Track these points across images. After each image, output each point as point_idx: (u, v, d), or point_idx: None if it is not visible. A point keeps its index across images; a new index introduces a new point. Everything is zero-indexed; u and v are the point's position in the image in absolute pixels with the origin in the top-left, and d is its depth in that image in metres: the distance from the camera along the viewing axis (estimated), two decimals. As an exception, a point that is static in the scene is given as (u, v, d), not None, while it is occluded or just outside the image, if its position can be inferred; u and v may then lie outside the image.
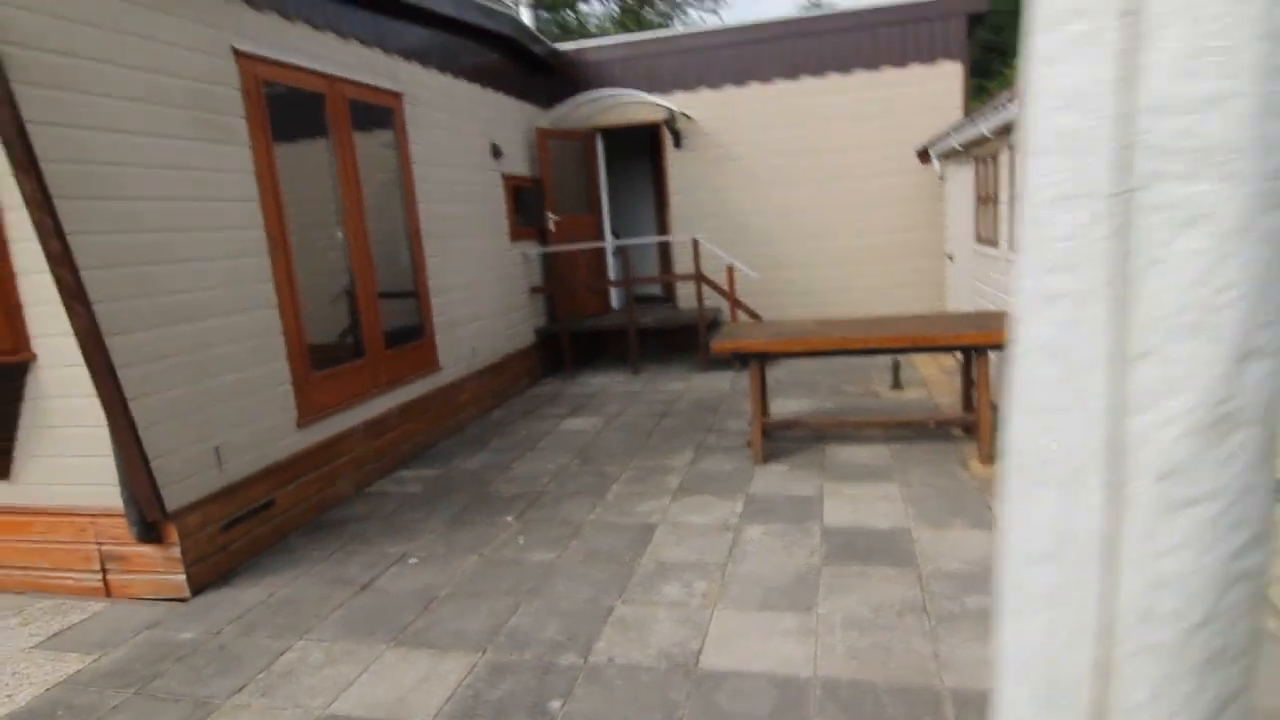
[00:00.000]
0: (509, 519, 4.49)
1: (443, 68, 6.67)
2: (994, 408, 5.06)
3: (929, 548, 3.69)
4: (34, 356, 3.74)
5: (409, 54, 6.16)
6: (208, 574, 3.95)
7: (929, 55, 7.76)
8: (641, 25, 19.13)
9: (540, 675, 2.91)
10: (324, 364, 5.01)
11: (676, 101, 8.66)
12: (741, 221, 8.67)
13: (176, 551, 3.81)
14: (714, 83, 8.54)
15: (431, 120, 6.43)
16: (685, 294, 9.07)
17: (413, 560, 4.04)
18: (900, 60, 7.89)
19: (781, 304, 8.69)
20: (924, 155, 7.69)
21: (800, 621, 3.13)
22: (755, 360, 4.95)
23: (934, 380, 6.87)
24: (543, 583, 3.66)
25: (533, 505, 4.67)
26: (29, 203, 3.26)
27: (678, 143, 8.70)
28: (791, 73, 8.26)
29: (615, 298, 9.64)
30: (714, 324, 8.20)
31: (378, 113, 5.80)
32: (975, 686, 2.63)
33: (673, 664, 2.91)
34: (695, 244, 7.90)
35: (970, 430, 4.99)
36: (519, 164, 8.22)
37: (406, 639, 3.26)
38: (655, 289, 10.36)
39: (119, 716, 2.86)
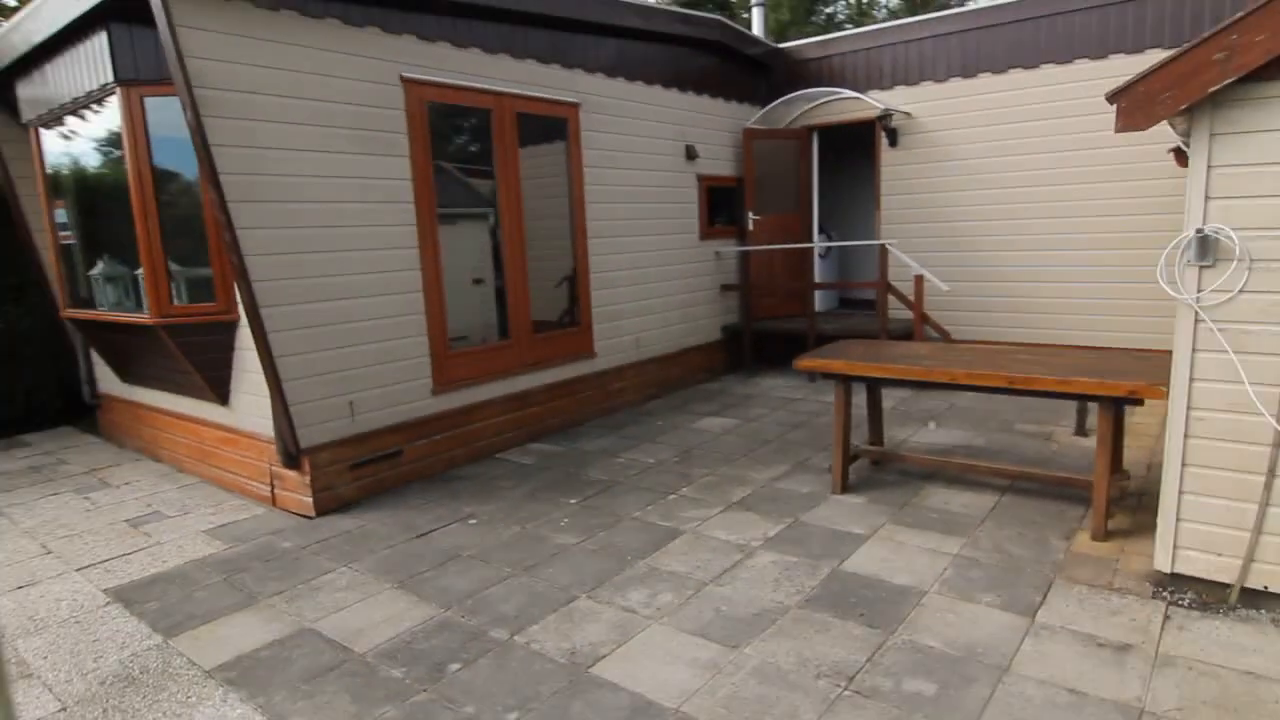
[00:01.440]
0: (572, 501, 4.86)
1: (630, 77, 7.10)
2: (1122, 474, 4.15)
3: (924, 617, 3.26)
4: (238, 317, 5.01)
5: (592, 66, 6.69)
6: (331, 501, 4.95)
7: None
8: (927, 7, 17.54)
9: (466, 640, 3.26)
10: (466, 343, 5.81)
11: (897, 96, 8.05)
12: (955, 227, 7.82)
13: (308, 480, 4.86)
14: (938, 76, 7.77)
15: (611, 126, 6.91)
16: (896, 302, 8.45)
17: (472, 521, 4.62)
18: (1171, 42, 6.43)
19: (992, 322, 7.70)
20: (1180, 155, 6.20)
21: (717, 656, 3.05)
22: (840, 381, 4.63)
23: (1144, 431, 5.65)
24: (544, 563, 3.97)
25: (602, 493, 4.97)
26: (213, 206, 4.41)
27: (893, 141, 8.10)
28: (1031, 61, 7.19)
29: (819, 300, 9.33)
30: (901, 337, 7.56)
31: (551, 122, 6.44)
32: (813, 767, 2.40)
33: (571, 663, 3.06)
34: (883, 251, 7.36)
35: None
36: (721, 164, 8.37)
37: (406, 584, 3.82)
38: (871, 294, 9.76)
39: (198, 592, 3.85)
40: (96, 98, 5.07)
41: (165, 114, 4.75)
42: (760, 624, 3.27)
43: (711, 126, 8.21)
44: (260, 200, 4.54)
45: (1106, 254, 7.03)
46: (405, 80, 5.25)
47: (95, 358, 6.97)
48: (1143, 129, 3.06)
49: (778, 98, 8.65)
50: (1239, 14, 2.82)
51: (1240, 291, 3.03)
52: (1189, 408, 3.20)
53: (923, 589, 3.49)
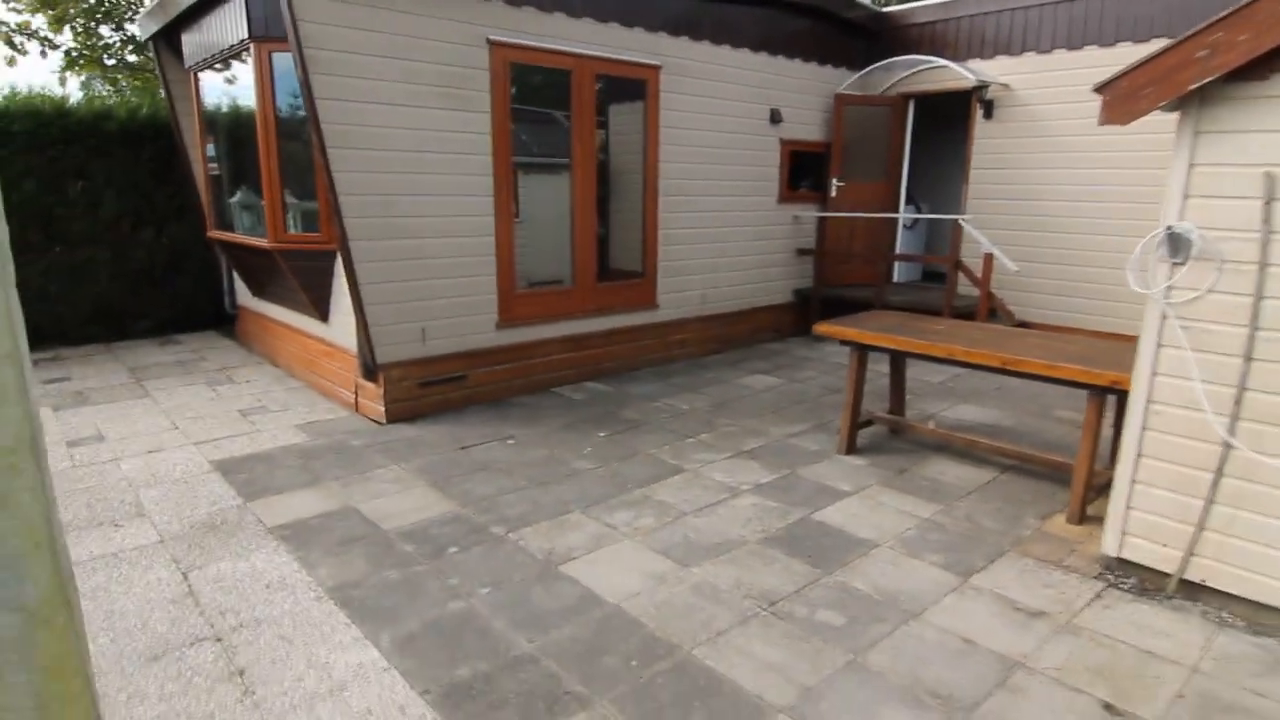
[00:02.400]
0: (601, 434, 5.40)
1: (716, 40, 7.32)
2: (1105, 467, 4.20)
3: (866, 565, 3.57)
4: (336, 247, 5.81)
5: (676, 29, 6.97)
6: (401, 412, 5.73)
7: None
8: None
9: (469, 532, 3.90)
10: (532, 284, 6.41)
11: (998, 66, 7.80)
12: (1041, 206, 7.57)
13: (382, 392, 5.65)
14: (1042, 47, 7.46)
15: (691, 89, 7.19)
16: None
17: (510, 442, 5.26)
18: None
19: (1071, 308, 7.48)
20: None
21: (667, 571, 3.51)
22: (855, 349, 4.86)
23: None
24: (557, 482, 4.55)
25: (630, 430, 5.48)
26: (316, 149, 5.16)
27: (988, 113, 7.87)
28: (1142, 35, 6.78)
29: (902, 271, 9.28)
30: (966, 316, 7.49)
31: (631, 84, 6.82)
32: (714, 667, 2.85)
33: (546, 560, 3.62)
34: (957, 226, 7.29)
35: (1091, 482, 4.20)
36: (809, 128, 8.44)
37: (438, 483, 4.51)
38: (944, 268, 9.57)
39: (278, 471, 4.71)
40: (237, 50, 5.94)
41: (289, 68, 5.55)
42: (717, 552, 3.70)
43: (802, 90, 8.28)
44: (354, 147, 5.24)
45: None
46: (491, 42, 5.78)
47: (235, 275, 8.14)
48: (1123, 124, 3.12)
49: (877, 63, 8.56)
50: (1224, 12, 2.83)
51: (1209, 291, 3.07)
52: (1148, 400, 3.29)
53: (877, 543, 3.79)
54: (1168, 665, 2.87)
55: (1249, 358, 2.99)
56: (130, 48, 10.18)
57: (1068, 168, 7.38)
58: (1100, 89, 3.17)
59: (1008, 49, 7.74)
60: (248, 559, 3.63)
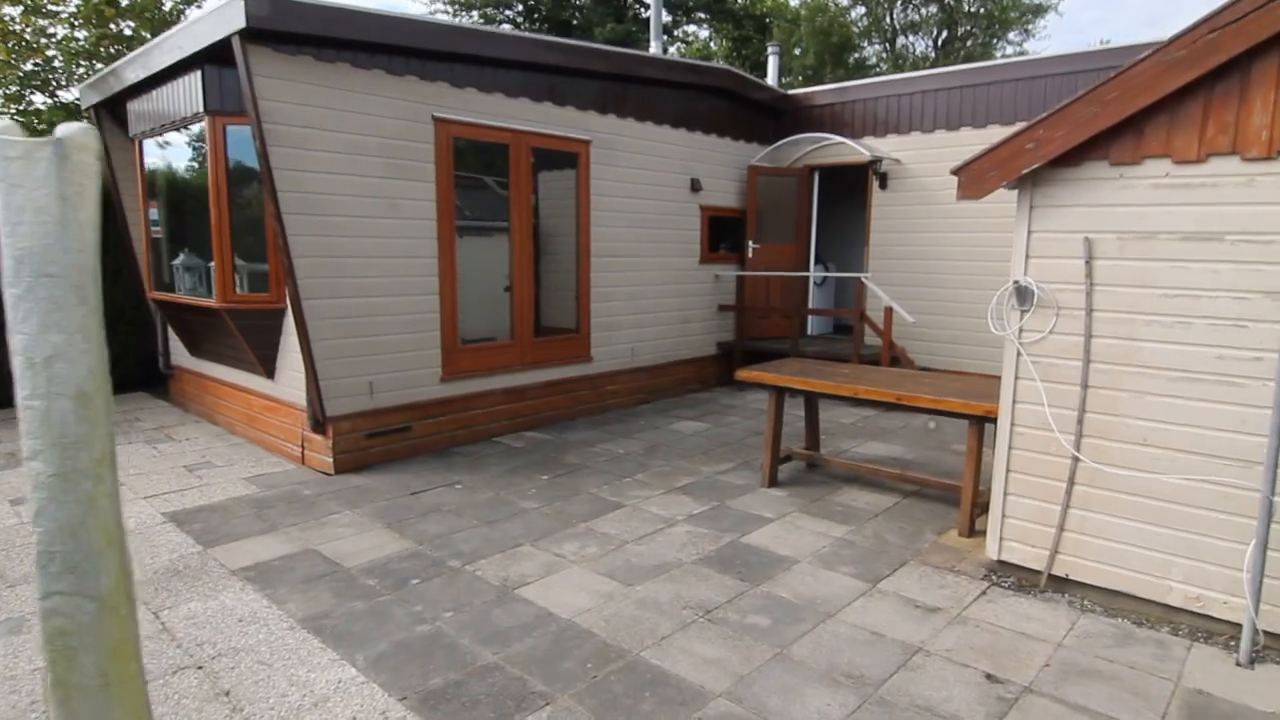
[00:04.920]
0: (544, 477, 5.77)
1: (641, 117, 8.05)
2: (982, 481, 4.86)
3: (788, 577, 4.05)
4: (285, 306, 6.09)
5: (604, 107, 7.67)
6: (349, 462, 5.96)
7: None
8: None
9: (427, 565, 4.19)
10: (472, 339, 6.81)
11: (889, 144, 8.81)
12: (932, 265, 8.50)
13: (330, 444, 5.88)
14: (926, 127, 8.51)
15: (619, 160, 7.86)
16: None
17: (457, 486, 5.57)
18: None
19: (961, 354, 8.36)
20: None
21: (614, 590, 3.91)
22: (773, 392, 5.44)
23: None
24: (505, 520, 4.89)
25: (571, 473, 5.87)
26: (271, 215, 5.50)
27: (883, 184, 8.85)
28: (1008, 118, 7.87)
29: (815, 324, 10.08)
30: (872, 362, 8.27)
31: (563, 155, 7.43)
32: (660, 665, 3.24)
33: (502, 586, 3.96)
34: (860, 284, 8.11)
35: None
36: (726, 196, 9.24)
37: (393, 525, 4.78)
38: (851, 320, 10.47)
39: (233, 520, 4.88)
40: (189, 121, 6.25)
41: (241, 139, 5.89)
42: (657, 572, 4.12)
43: (718, 162, 9.10)
44: (308, 213, 5.60)
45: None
46: (436, 119, 6.29)
47: (171, 335, 8.21)
48: (976, 199, 3.84)
49: (784, 138, 9.49)
50: (1045, 113, 3.60)
51: (1050, 332, 3.77)
52: (1012, 425, 3.94)
53: (797, 559, 4.29)
54: (1038, 643, 3.43)
55: (1085, 385, 3.68)
56: (63, 115, 10.25)
57: (951, 231, 8.35)
58: (957, 171, 3.90)
59: (897, 128, 8.76)
60: (216, 598, 3.83)
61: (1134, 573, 3.64)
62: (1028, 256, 3.82)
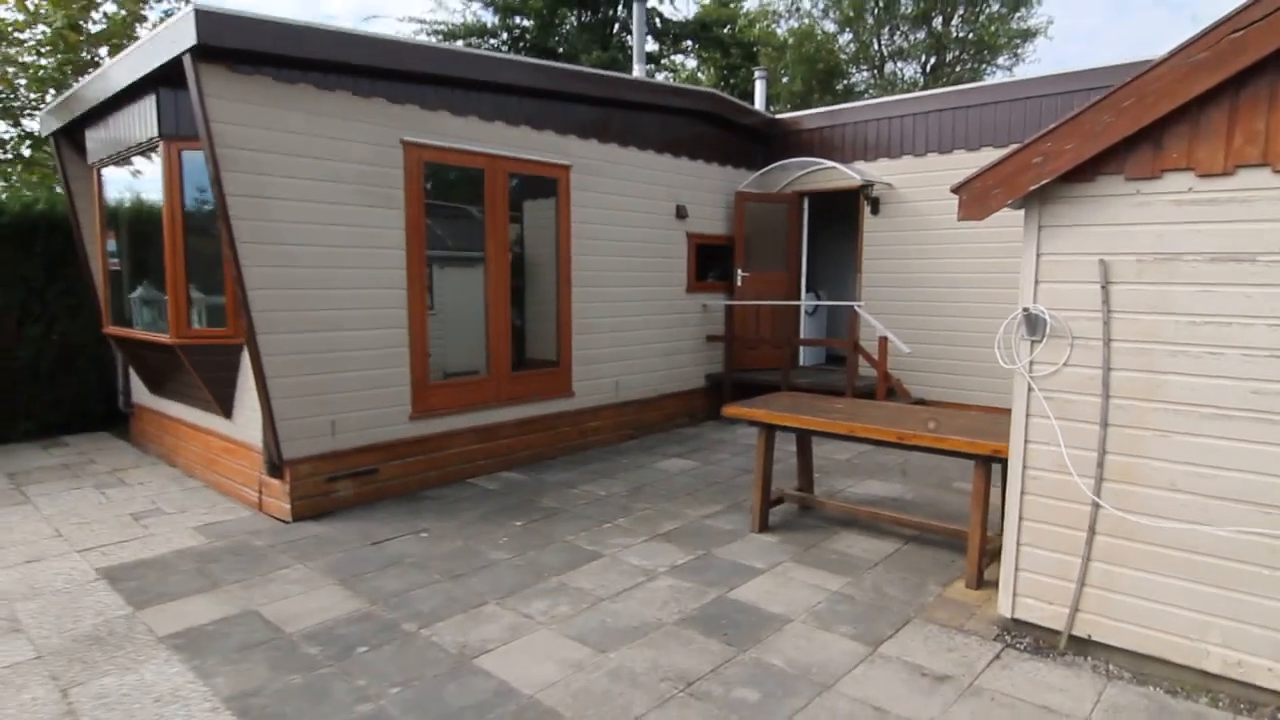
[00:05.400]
0: (517, 524, 5.35)
1: (623, 142, 7.77)
2: (997, 533, 4.48)
3: (780, 640, 3.64)
4: (243, 341, 5.71)
5: (584, 131, 7.38)
6: (308, 509, 5.54)
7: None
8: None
9: (379, 630, 3.77)
10: (445, 375, 6.43)
11: (880, 168, 8.55)
12: (927, 293, 8.19)
13: (288, 489, 5.47)
14: (918, 150, 8.25)
15: (601, 186, 7.56)
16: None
17: (423, 535, 5.15)
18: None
19: (959, 385, 8.01)
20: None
21: (585, 658, 3.48)
22: (763, 429, 5.07)
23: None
24: (471, 574, 4.47)
25: (547, 518, 5.46)
26: (225, 244, 5.14)
27: (874, 210, 8.57)
28: (1001, 140, 7.61)
29: (807, 355, 9.74)
30: (867, 396, 7.91)
31: (542, 181, 7.12)
32: (622, 746, 2.82)
33: (460, 654, 3.53)
34: (852, 313, 7.78)
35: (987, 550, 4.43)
36: (713, 223, 8.94)
37: (347, 581, 4.36)
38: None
39: (172, 576, 4.45)
40: (146, 148, 5.92)
41: (198, 165, 5.56)
42: (634, 635, 3.70)
43: (705, 189, 8.82)
44: (266, 242, 5.25)
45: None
46: (405, 143, 5.98)
47: (132, 372, 7.80)
48: (979, 219, 3.51)
49: (773, 164, 9.23)
50: (1053, 124, 3.28)
51: (1064, 365, 3.41)
52: (1024, 467, 3.56)
53: (790, 617, 3.87)
54: None
55: (1105, 423, 3.31)
56: (28, 142, 9.97)
57: (948, 257, 8.05)
58: (957, 189, 3.57)
59: (888, 152, 8.51)
60: (136, 671, 3.39)
61: (1166, 634, 3.25)
62: (1037, 282, 3.48)
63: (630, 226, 7.95)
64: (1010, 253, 7.59)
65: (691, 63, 20.72)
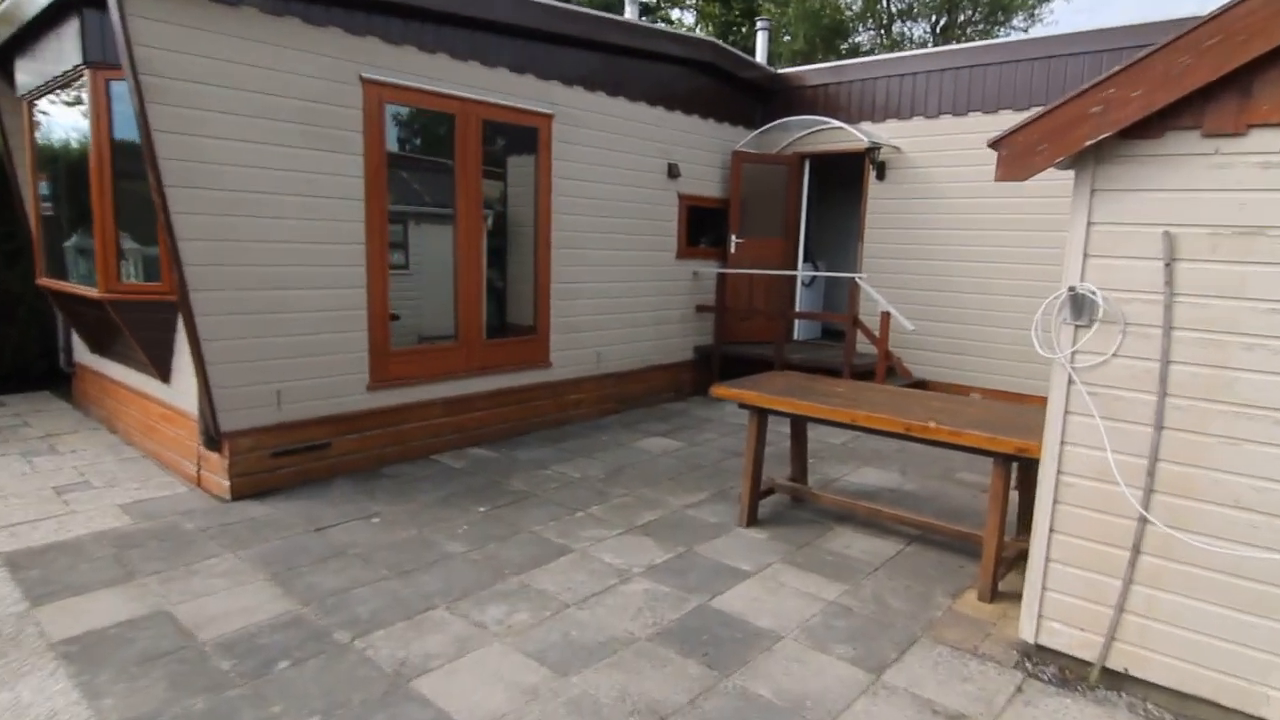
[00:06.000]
0: (481, 509, 4.85)
1: (612, 92, 7.12)
2: (1027, 533, 4.00)
3: (769, 663, 3.17)
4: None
5: (570, 79, 6.72)
6: (249, 486, 5.01)
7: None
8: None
9: (307, 639, 3.27)
10: (418, 340, 5.87)
11: (888, 130, 7.94)
12: (934, 266, 7.65)
13: (227, 464, 4.93)
14: (930, 112, 7.64)
15: (586, 139, 6.92)
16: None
17: (375, 520, 4.64)
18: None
19: (964, 365, 7.52)
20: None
21: (541, 682, 3.00)
22: (754, 413, 4.55)
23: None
24: (422, 570, 3.96)
25: (514, 503, 4.95)
26: (152, 189, 4.52)
27: (880, 175, 7.97)
28: (1022, 103, 7.02)
29: (802, 329, 9.21)
30: (865, 375, 7.42)
31: (525, 133, 6.49)
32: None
33: (396, 673, 3.04)
34: (853, 285, 7.25)
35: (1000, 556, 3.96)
36: (707, 184, 8.33)
37: (280, 576, 3.85)
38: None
39: (83, 564, 3.92)
40: (71, 78, 5.25)
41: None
42: (601, 653, 3.21)
43: (699, 146, 8.19)
44: (200, 187, 4.63)
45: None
46: (365, 81, 5.33)
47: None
48: (1021, 180, 2.96)
49: (773, 122, 8.59)
50: (1116, 68, 2.72)
51: (1114, 355, 2.90)
52: (1059, 472, 3.07)
53: (780, 634, 3.40)
54: (1097, 774, 2.56)
55: (1160, 426, 2.81)
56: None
57: (959, 229, 7.49)
58: (995, 144, 3.02)
59: (897, 113, 7.89)
60: (12, 687, 2.88)
61: (1218, 673, 2.78)
62: (1086, 256, 2.94)
63: (617, 185, 7.33)
64: (1032, 225, 7.09)
65: (690, 18, 19.78)
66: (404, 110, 6.03)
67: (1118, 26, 6.58)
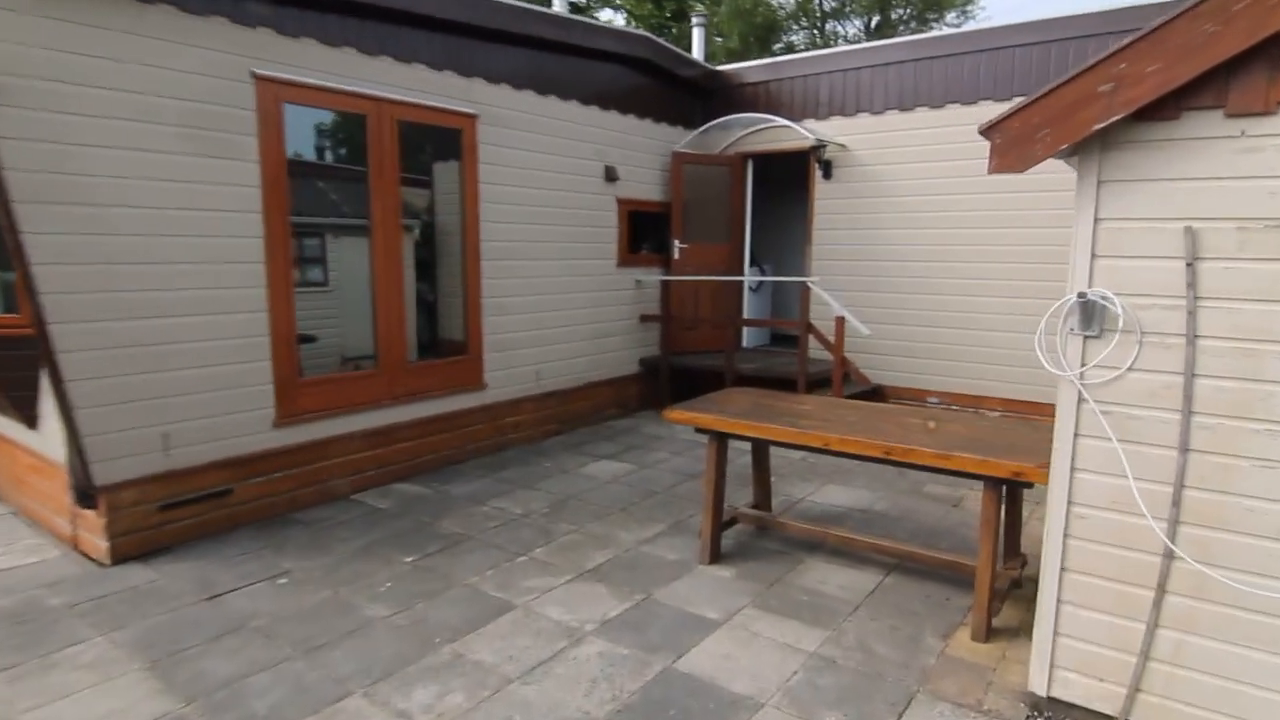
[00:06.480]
0: (407, 560, 4.26)
1: (542, 90, 6.60)
2: (1015, 559, 3.66)
3: (750, 740, 2.70)
4: (42, 332, 4.37)
5: (495, 76, 6.18)
6: (134, 547, 4.30)
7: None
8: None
9: (187, 750, 2.65)
10: (320, 369, 5.23)
11: (833, 127, 7.64)
12: (886, 267, 7.37)
13: (104, 523, 4.21)
14: (874, 108, 7.37)
15: (514, 141, 6.39)
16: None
17: (282, 581, 4.00)
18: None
19: (919, 369, 7.25)
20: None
21: (481, 787, 2.47)
22: (715, 438, 4.10)
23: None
24: (336, 643, 3.37)
25: (447, 549, 4.38)
26: (-5, 203, 3.80)
27: (827, 174, 7.66)
28: (969, 97, 6.79)
29: (750, 336, 8.85)
30: (821, 383, 7.08)
31: (443, 134, 5.92)
32: None
33: (300, 789, 2.46)
34: (805, 289, 6.90)
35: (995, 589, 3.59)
36: (647, 187, 7.89)
37: (161, 664, 3.20)
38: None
39: (-94, 664, 3.20)
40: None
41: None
42: (552, 743, 2.70)
43: (638, 148, 7.73)
44: (57, 202, 3.93)
45: (1039, 303, 6.57)
46: (258, 78, 4.69)
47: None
48: (1018, 171, 2.58)
49: (713, 120, 8.20)
50: (1128, 39, 2.35)
51: (1129, 369, 2.54)
52: (1069, 502, 2.69)
53: (760, 700, 2.94)
54: None
55: (1185, 449, 2.46)
56: None
57: (911, 228, 7.22)
58: (987, 131, 2.63)
59: (842, 110, 7.59)
60: None
61: (1260, 727, 2.45)
62: (1094, 257, 2.58)
63: (551, 189, 6.81)
64: (986, 222, 6.85)
65: (621, 19, 19.39)
66: (312, 112, 5.40)
67: (1066, 15, 6.39)
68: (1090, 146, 2.56)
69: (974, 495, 5.22)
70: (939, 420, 3.90)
